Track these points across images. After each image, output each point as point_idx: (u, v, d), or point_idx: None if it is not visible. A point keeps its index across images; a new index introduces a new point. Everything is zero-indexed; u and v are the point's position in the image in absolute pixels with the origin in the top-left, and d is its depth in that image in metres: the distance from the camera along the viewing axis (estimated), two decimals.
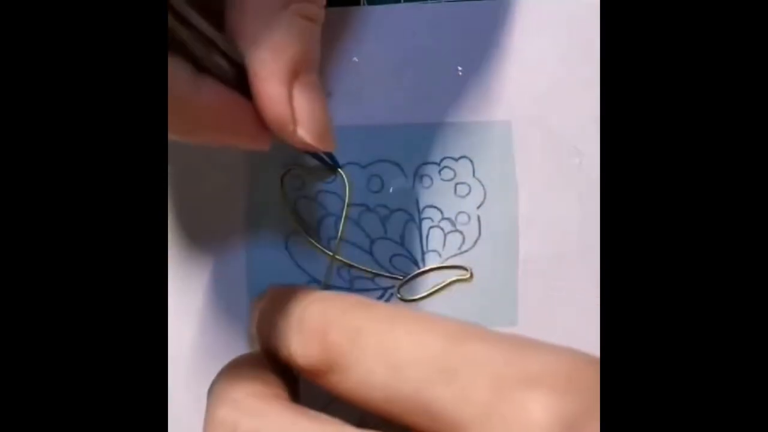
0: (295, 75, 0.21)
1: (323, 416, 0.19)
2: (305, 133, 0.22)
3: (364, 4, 0.29)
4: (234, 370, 0.22)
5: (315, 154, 0.27)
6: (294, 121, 0.22)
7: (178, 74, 0.20)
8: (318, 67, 0.23)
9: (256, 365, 0.23)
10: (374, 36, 0.29)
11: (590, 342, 0.27)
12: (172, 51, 0.19)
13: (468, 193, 0.29)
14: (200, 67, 0.21)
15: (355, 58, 0.29)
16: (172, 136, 0.21)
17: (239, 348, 0.29)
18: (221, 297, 0.29)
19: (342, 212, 0.29)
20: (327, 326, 0.20)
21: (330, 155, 0.28)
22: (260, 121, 0.22)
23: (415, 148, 0.29)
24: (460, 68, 0.29)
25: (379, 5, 0.29)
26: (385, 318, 0.20)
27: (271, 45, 0.21)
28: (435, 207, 0.29)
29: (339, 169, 0.28)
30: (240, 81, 0.22)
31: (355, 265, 0.28)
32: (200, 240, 0.29)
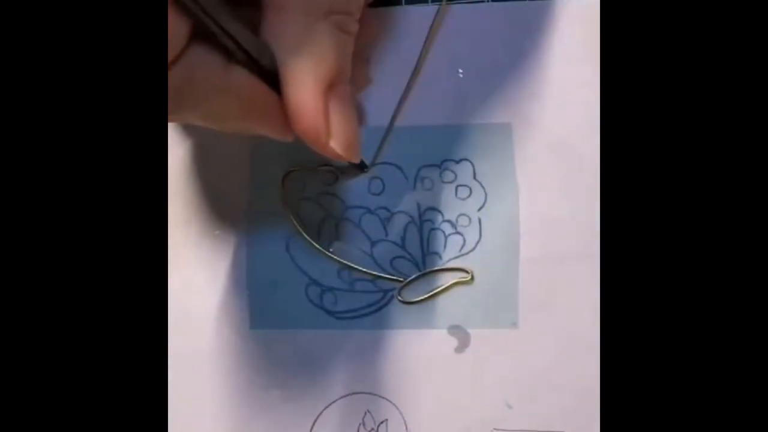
0: (331, 87, 0.21)
1: None
2: (337, 145, 0.22)
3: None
4: None
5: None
6: (328, 133, 0.21)
7: (209, 60, 0.20)
8: (349, 78, 0.23)
9: None
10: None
11: (590, 342, 0.27)
12: (203, 40, 0.19)
13: (469, 196, 0.29)
14: (231, 58, 0.20)
15: None
16: (201, 122, 0.21)
17: (239, 348, 0.29)
18: (221, 297, 0.29)
19: (343, 214, 0.29)
20: None
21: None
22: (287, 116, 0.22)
23: (415, 150, 0.29)
24: (460, 70, 0.29)
25: (379, 8, 0.29)
26: None
27: (310, 54, 0.21)
28: (436, 209, 0.29)
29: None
30: (270, 77, 0.21)
31: (356, 267, 0.28)
32: (201, 241, 0.29)
